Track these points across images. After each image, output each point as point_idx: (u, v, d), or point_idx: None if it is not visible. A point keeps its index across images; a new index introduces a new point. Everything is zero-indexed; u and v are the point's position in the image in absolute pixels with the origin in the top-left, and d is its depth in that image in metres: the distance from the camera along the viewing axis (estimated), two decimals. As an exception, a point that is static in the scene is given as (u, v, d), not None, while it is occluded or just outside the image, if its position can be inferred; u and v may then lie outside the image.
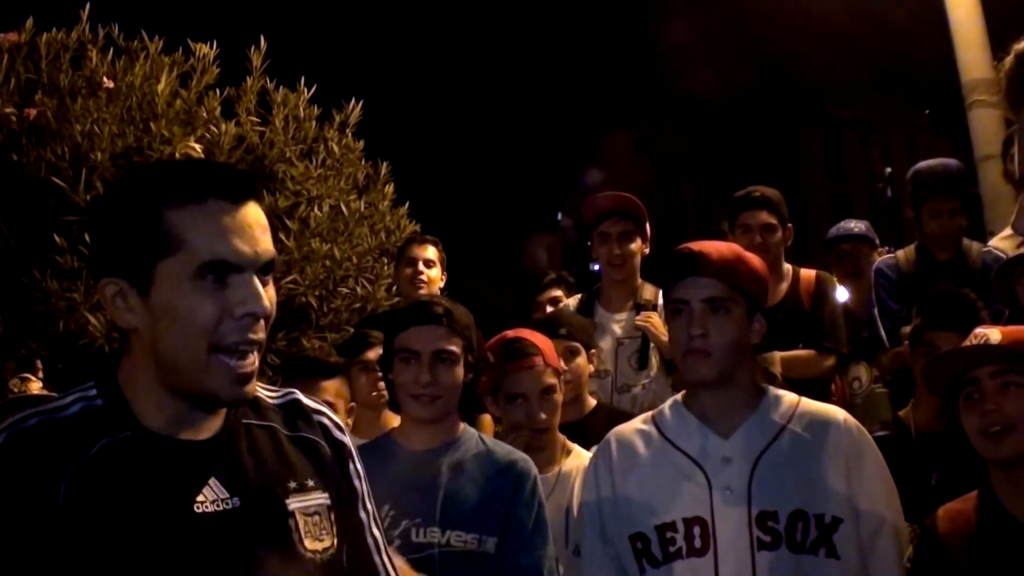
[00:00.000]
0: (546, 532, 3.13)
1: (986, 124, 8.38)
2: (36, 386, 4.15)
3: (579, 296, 5.13)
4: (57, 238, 5.20)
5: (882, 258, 5.36)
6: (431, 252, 5.35)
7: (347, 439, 2.03)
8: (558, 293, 6.02)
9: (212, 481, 1.76)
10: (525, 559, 3.05)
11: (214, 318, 1.69)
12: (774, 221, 4.98)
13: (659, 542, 2.69)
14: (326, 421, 2.01)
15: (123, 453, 1.71)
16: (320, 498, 1.89)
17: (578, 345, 4.13)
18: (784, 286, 4.99)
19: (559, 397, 3.66)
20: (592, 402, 4.20)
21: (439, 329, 3.14)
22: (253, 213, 1.76)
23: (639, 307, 4.71)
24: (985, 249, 5.12)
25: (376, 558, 2.02)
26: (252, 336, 1.74)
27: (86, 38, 6.08)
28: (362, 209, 6.76)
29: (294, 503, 1.84)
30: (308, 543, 1.83)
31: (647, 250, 4.87)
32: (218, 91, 6.36)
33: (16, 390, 4.10)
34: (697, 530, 2.65)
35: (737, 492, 2.65)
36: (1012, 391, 2.77)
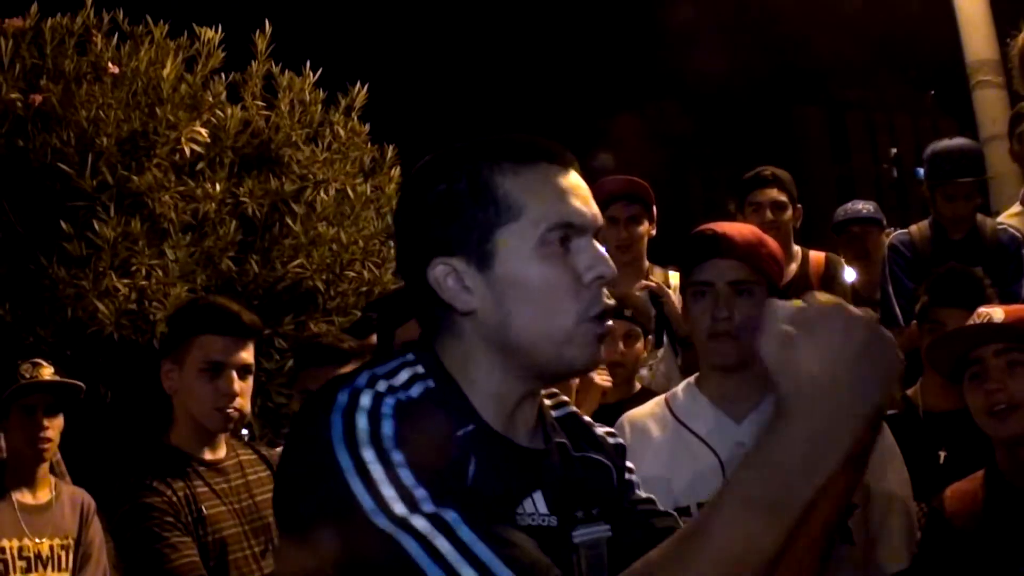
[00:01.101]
0: None
1: (991, 104, 8.36)
2: (48, 371, 4.15)
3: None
4: (64, 224, 5.20)
5: (896, 234, 5.32)
6: None
7: (622, 440, 1.92)
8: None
9: (536, 494, 1.63)
10: None
11: (571, 285, 1.58)
12: (784, 199, 4.99)
13: (673, 527, 2.69)
14: (610, 441, 1.89)
15: (467, 447, 1.56)
16: (602, 530, 1.75)
17: (639, 329, 4.13)
18: (793, 267, 4.99)
19: (572, 381, 3.67)
20: (637, 385, 4.21)
21: None
22: (579, 178, 1.67)
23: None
24: (1001, 226, 5.09)
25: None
26: (608, 301, 1.64)
27: (91, 23, 6.07)
28: (368, 192, 6.76)
29: (579, 535, 1.70)
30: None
31: (654, 232, 4.87)
32: (223, 75, 6.35)
33: (28, 375, 4.10)
34: (711, 515, 2.65)
35: (751, 476, 2.66)
36: (1017, 370, 2.78)
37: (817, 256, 5.09)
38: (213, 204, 5.72)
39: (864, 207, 6.19)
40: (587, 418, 1.91)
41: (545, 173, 1.63)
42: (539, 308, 1.58)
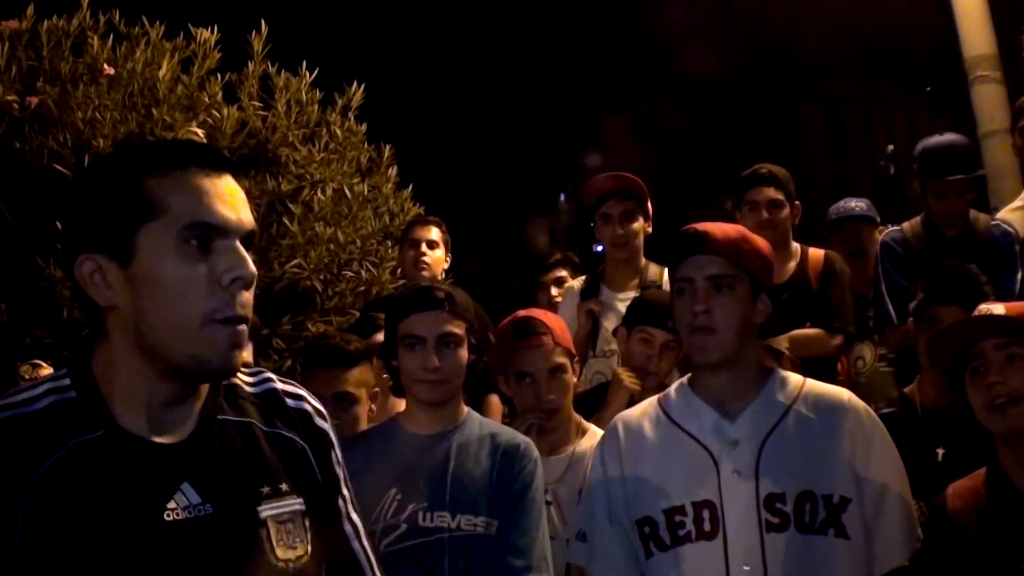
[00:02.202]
0: (540, 515, 3.15)
1: (989, 100, 8.35)
2: (47, 372, 4.14)
3: (584, 277, 5.13)
4: (60, 225, 5.20)
5: (888, 232, 5.32)
6: (434, 233, 5.31)
7: (328, 426, 1.93)
8: (563, 273, 6.02)
9: (185, 486, 1.67)
10: (518, 540, 3.07)
11: (204, 285, 1.62)
12: (781, 197, 4.99)
13: (667, 526, 2.69)
14: (306, 408, 1.91)
15: (94, 455, 1.62)
16: (294, 503, 1.79)
17: (677, 341, 4.07)
18: (792, 265, 4.99)
19: (569, 378, 3.66)
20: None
21: (442, 313, 3.17)
22: (233, 184, 1.70)
23: (645, 287, 4.70)
24: (993, 223, 5.09)
25: (355, 544, 1.93)
26: (243, 303, 1.66)
27: (87, 25, 6.07)
28: (365, 192, 6.75)
29: (267, 510, 1.74)
30: (280, 552, 1.73)
31: (650, 229, 4.87)
32: (220, 76, 6.35)
33: (28, 376, 4.09)
34: (706, 513, 2.66)
35: (745, 474, 2.66)
36: (1017, 363, 2.78)
37: (816, 253, 5.09)
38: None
39: (857, 205, 6.18)
40: (288, 388, 1.92)
41: (192, 176, 1.66)
42: (169, 305, 1.62)
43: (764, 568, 2.59)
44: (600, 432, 3.62)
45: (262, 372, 1.91)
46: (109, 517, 1.59)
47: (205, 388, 1.76)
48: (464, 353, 3.19)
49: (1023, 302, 3.42)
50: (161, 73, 5.94)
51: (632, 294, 4.65)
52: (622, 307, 4.64)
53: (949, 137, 5.20)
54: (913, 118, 42.92)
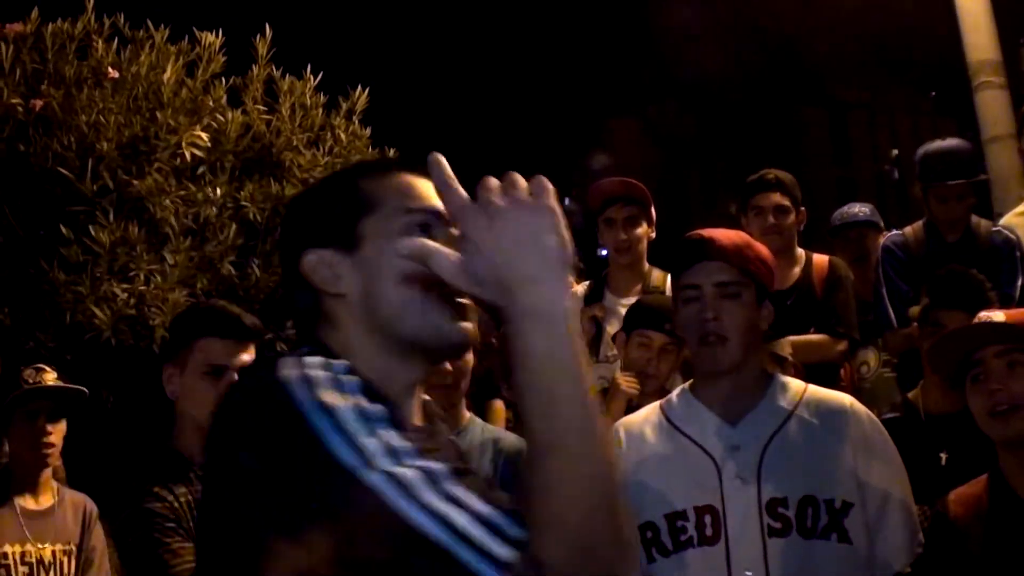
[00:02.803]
0: None
1: (993, 106, 8.35)
2: (51, 377, 4.15)
3: (588, 282, 5.13)
4: (64, 229, 5.19)
5: (889, 235, 5.33)
6: None
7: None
8: (567, 279, 6.01)
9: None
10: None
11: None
12: (787, 203, 4.98)
13: (669, 531, 2.69)
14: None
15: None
16: None
17: (676, 344, 4.09)
18: (797, 270, 4.98)
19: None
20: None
21: None
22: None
23: (648, 292, 4.70)
24: (995, 229, 5.09)
25: None
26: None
27: (92, 28, 6.05)
28: (371, 197, 6.74)
29: None
30: None
31: (653, 234, 4.87)
32: (224, 80, 6.34)
33: (31, 380, 4.10)
34: (708, 519, 2.66)
35: (747, 479, 2.66)
36: (1018, 370, 2.79)
37: (820, 259, 5.08)
38: (214, 208, 5.71)
39: (860, 210, 6.19)
40: None
41: (405, 176, 1.76)
42: (396, 276, 1.66)
43: (767, 573, 2.59)
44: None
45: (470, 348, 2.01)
46: None
47: (420, 389, 1.78)
48: (470, 358, 3.21)
49: (1022, 309, 3.43)
50: (166, 77, 5.93)
51: (635, 299, 4.66)
52: (625, 312, 4.65)
53: (951, 142, 5.21)
54: (917, 123, 42.95)
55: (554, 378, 1.37)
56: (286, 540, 1.41)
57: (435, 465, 1.40)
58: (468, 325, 1.69)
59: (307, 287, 1.72)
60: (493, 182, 1.47)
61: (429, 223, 1.70)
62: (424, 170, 1.70)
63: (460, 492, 1.38)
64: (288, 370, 1.49)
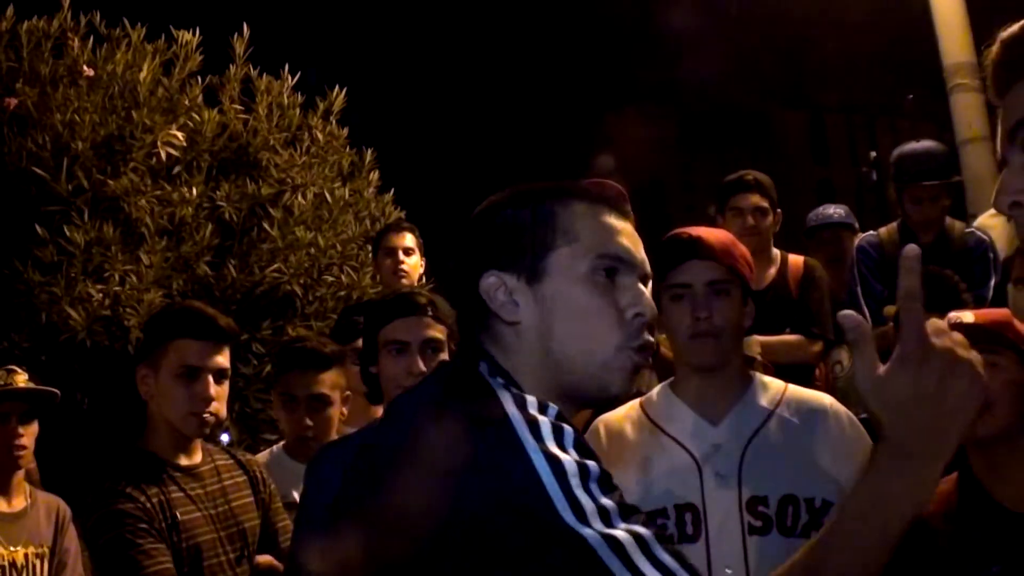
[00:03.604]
0: None
1: (967, 108, 8.39)
2: (23, 378, 4.11)
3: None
4: (38, 229, 5.17)
5: (864, 236, 5.36)
6: (409, 239, 5.30)
7: None
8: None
9: None
10: None
11: (613, 315, 1.66)
12: (766, 204, 5.01)
13: (649, 529, 2.69)
14: None
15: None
16: None
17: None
18: (772, 271, 5.00)
19: None
20: (636, 392, 4.21)
21: (425, 319, 3.16)
22: (633, 230, 1.76)
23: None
24: (968, 230, 5.13)
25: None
26: (649, 338, 1.70)
27: (68, 26, 6.04)
28: (347, 197, 6.73)
29: None
30: None
31: (633, 238, 4.86)
32: (201, 79, 6.33)
33: (2, 382, 4.06)
34: (688, 516, 2.65)
35: (727, 478, 2.66)
36: (987, 371, 2.78)
37: (796, 260, 5.10)
38: (190, 208, 5.69)
39: (835, 211, 6.22)
40: None
41: (604, 213, 1.73)
42: (581, 327, 1.66)
43: (747, 571, 2.58)
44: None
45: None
46: None
47: None
48: (447, 359, 3.20)
49: (993, 309, 3.44)
50: (142, 75, 5.91)
51: None
52: None
53: (926, 143, 5.24)
54: (895, 125, 43.17)
55: (889, 520, 1.42)
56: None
57: (643, 530, 1.41)
58: (633, 385, 1.72)
59: (482, 306, 1.70)
60: (957, 337, 1.41)
61: (616, 268, 1.69)
62: (620, 206, 1.76)
63: (667, 559, 1.40)
64: (510, 407, 1.50)
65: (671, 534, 2.66)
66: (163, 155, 5.64)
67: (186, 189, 5.73)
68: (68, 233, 5.09)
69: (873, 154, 48.61)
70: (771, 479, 2.66)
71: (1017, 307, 3.64)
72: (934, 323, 1.37)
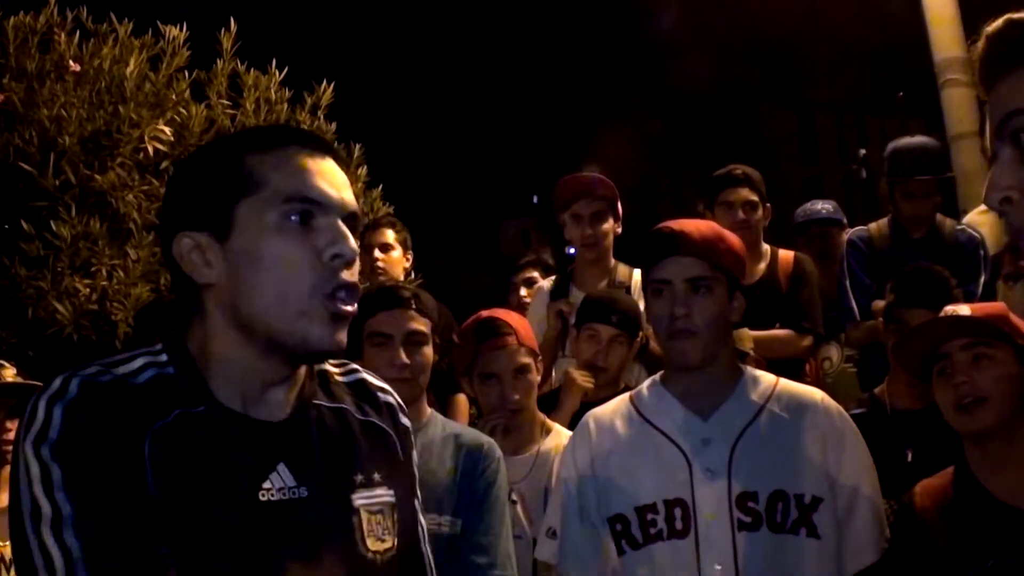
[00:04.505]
0: (503, 514, 3.18)
1: (959, 103, 8.40)
2: (11, 373, 4.09)
3: (554, 277, 5.12)
4: (25, 224, 5.14)
5: (855, 230, 5.37)
6: (388, 235, 5.27)
7: (408, 422, 1.91)
8: (534, 274, 6.00)
9: (281, 467, 1.63)
10: (482, 539, 3.09)
11: (306, 260, 1.59)
12: (755, 199, 5.03)
13: (639, 524, 2.68)
14: (392, 402, 1.89)
15: (196, 426, 1.58)
16: (386, 495, 1.77)
17: (625, 335, 4.12)
18: (762, 266, 5.01)
19: (534, 377, 3.65)
20: (623, 386, 4.21)
21: (408, 312, 3.19)
22: (334, 166, 1.69)
23: (614, 287, 4.70)
24: (959, 227, 5.14)
25: (423, 546, 1.90)
26: (348, 279, 1.63)
27: (54, 21, 5.99)
28: (335, 192, 6.71)
29: (359, 499, 1.72)
30: (370, 543, 1.71)
31: (619, 230, 4.86)
32: (188, 74, 6.30)
33: (-9, 377, 4.04)
34: (678, 512, 2.65)
35: (717, 473, 2.65)
36: (983, 363, 2.81)
37: (786, 255, 5.11)
38: (178, 203, 5.67)
39: (823, 207, 6.23)
40: (376, 381, 1.92)
41: (294, 154, 1.65)
42: (271, 279, 1.59)
43: (736, 567, 2.58)
44: (565, 431, 3.62)
45: (347, 362, 1.90)
46: (207, 489, 1.56)
47: (302, 372, 1.73)
48: (430, 351, 3.21)
49: (990, 303, 3.45)
50: (128, 70, 5.87)
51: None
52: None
53: (919, 139, 5.25)
54: (885, 123, 43.25)
55: None
56: None
57: (74, 546, 1.44)
58: (343, 336, 1.65)
59: (180, 274, 1.65)
60: None
61: (310, 212, 1.62)
62: (322, 146, 1.68)
63: (75, 544, 1.45)
64: (41, 393, 1.56)
65: (661, 529, 2.65)
66: (150, 150, 5.60)
67: (173, 184, 5.70)
68: (55, 228, 5.06)
69: (862, 152, 48.70)
70: (761, 474, 2.65)
71: (1007, 303, 3.65)
72: None
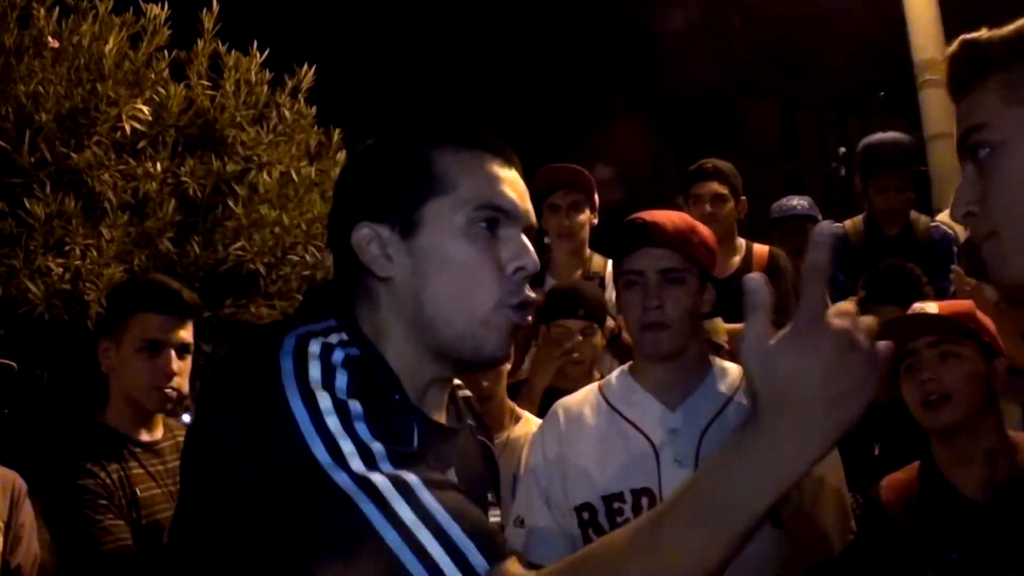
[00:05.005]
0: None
1: (937, 103, 8.46)
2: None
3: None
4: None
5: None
6: None
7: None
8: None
9: (450, 472, 1.60)
10: None
11: (491, 269, 1.57)
12: (725, 192, 5.04)
13: (606, 513, 2.69)
14: (485, 423, 1.89)
15: (407, 413, 1.56)
16: (496, 517, 1.76)
17: (595, 325, 4.14)
18: (737, 259, 5.04)
19: (505, 367, 3.66)
20: (597, 377, 4.22)
21: None
22: (519, 178, 1.66)
23: (588, 278, 4.72)
24: (933, 224, 5.17)
25: None
26: (531, 292, 1.62)
27: (34, -4, 5.97)
28: (313, 176, 6.69)
29: (491, 518, 1.70)
30: None
31: (595, 221, 4.88)
32: (168, 53, 6.26)
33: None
34: (645, 501, 2.66)
35: (685, 463, 2.66)
36: (950, 360, 2.83)
37: (761, 249, 5.13)
38: (154, 184, 5.64)
39: (799, 203, 6.26)
40: (474, 400, 1.91)
41: (485, 159, 1.63)
42: (456, 284, 1.57)
43: (700, 557, 2.59)
44: (534, 419, 3.63)
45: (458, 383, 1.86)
46: None
47: (452, 382, 1.71)
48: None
49: (957, 301, 3.48)
50: (108, 48, 5.83)
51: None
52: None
53: (891, 134, 5.29)
54: (866, 121, 43.41)
55: (738, 503, 1.24)
56: (244, 523, 1.38)
57: (410, 475, 1.34)
58: (511, 346, 1.64)
59: (353, 260, 1.62)
60: (865, 321, 1.25)
61: (498, 220, 1.60)
62: (504, 153, 1.65)
63: (431, 502, 1.32)
64: (287, 348, 1.42)
65: (627, 518, 2.67)
66: (128, 129, 5.57)
67: (150, 164, 5.66)
68: (29, 206, 5.03)
69: (842, 150, 48.86)
70: (728, 466, 2.66)
71: (975, 301, 3.68)
72: (841, 306, 1.26)
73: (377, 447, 1.35)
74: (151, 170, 5.64)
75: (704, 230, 2.87)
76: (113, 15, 6.05)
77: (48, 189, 5.11)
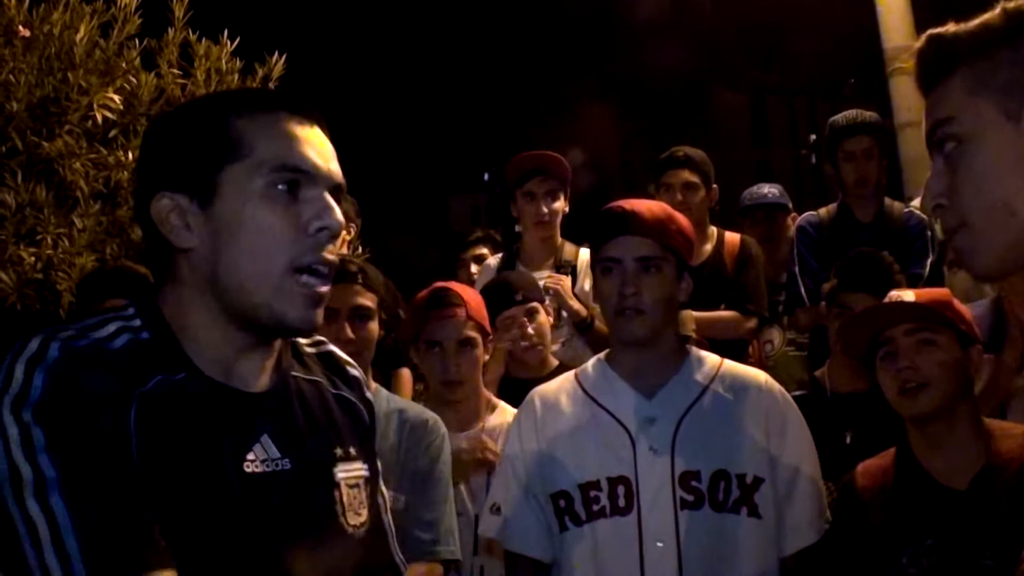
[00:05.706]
0: (447, 490, 3.18)
1: (907, 91, 8.47)
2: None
3: (500, 255, 5.13)
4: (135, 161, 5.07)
5: (804, 215, 5.42)
6: None
7: (372, 396, 1.87)
8: (483, 251, 6.01)
9: (264, 439, 1.59)
10: (425, 514, 3.10)
11: (289, 231, 1.55)
12: (696, 180, 5.05)
13: (582, 501, 2.70)
14: (359, 376, 1.86)
15: (177, 394, 1.52)
16: (361, 469, 1.74)
17: (535, 304, 4.15)
18: (708, 247, 5.05)
19: (480, 353, 3.65)
20: (554, 361, 4.23)
21: (354, 286, 3.18)
22: (322, 136, 1.64)
23: (560, 266, 4.73)
24: (907, 210, 5.19)
25: (385, 516, 1.85)
26: (329, 255, 1.58)
27: (3, -16, 5.92)
28: (284, 164, 6.67)
29: (340, 472, 1.69)
30: (350, 517, 1.68)
31: (567, 209, 4.89)
32: (139, 42, 6.22)
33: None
34: (621, 489, 2.67)
35: (660, 452, 2.68)
36: (926, 348, 2.85)
37: (732, 237, 5.15)
38: (125, 173, 5.59)
39: (769, 191, 6.27)
40: (343, 355, 1.89)
41: (283, 120, 1.60)
42: (250, 249, 1.55)
43: (678, 544, 2.61)
44: (510, 408, 3.63)
45: (317, 337, 1.85)
46: (191, 459, 1.51)
47: (277, 343, 1.69)
48: (375, 327, 3.21)
49: (933, 288, 3.51)
50: (79, 37, 5.78)
51: (547, 272, 4.68)
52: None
53: (855, 110, 5.31)
54: (836, 109, 43.54)
55: None
56: None
57: (58, 504, 1.39)
58: (320, 315, 1.62)
59: (157, 236, 1.59)
60: None
61: (298, 181, 1.57)
62: (305, 111, 1.62)
63: (61, 508, 1.38)
64: (13, 354, 1.48)
65: (603, 506, 2.68)
66: (99, 118, 5.52)
67: (122, 153, 5.62)
68: (0, 195, 5.00)
69: (813, 137, 49.01)
70: (704, 454, 2.68)
71: (952, 289, 3.71)
72: None
73: (50, 474, 1.40)
74: (123, 159, 5.60)
75: (681, 219, 2.88)
76: (84, 4, 5.99)
77: (19, 178, 5.07)
